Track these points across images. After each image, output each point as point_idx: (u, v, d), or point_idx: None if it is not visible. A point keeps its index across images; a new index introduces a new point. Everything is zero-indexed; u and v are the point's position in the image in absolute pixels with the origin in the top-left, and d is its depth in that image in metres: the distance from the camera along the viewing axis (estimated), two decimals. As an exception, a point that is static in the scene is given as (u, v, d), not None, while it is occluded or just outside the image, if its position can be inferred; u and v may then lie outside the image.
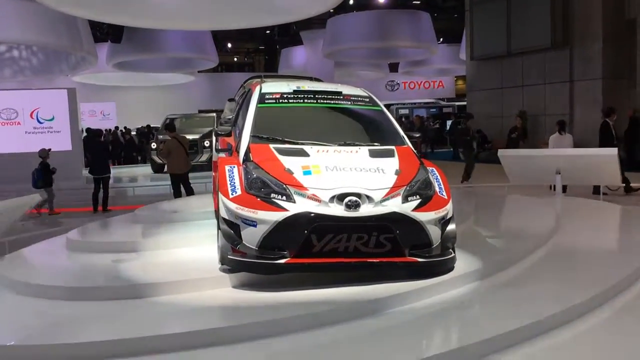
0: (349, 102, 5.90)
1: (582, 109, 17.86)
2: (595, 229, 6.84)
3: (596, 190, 10.45)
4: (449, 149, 24.00)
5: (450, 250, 4.74)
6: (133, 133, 24.73)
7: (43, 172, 11.84)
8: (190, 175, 11.43)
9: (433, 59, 29.54)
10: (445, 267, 4.62)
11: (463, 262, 4.81)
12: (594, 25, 17.48)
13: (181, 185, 11.03)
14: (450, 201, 4.84)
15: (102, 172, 12.06)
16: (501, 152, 9.75)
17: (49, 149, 12.50)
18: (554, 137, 12.08)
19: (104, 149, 13.06)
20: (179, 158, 10.91)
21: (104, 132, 19.26)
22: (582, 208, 8.30)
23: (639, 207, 9.49)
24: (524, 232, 6.23)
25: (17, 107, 16.29)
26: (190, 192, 11.10)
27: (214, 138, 7.08)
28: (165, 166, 11.64)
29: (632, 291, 4.62)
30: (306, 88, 5.96)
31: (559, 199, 8.76)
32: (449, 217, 4.76)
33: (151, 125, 24.88)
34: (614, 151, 8.91)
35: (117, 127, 25.85)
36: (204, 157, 16.09)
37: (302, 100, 5.77)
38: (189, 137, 16.20)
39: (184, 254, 5.41)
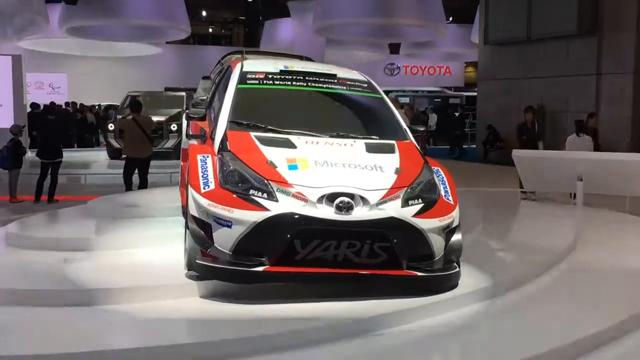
0: (345, 87, 5.90)
1: (610, 106, 18.00)
2: (620, 246, 6.90)
3: None
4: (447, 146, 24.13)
5: (455, 264, 4.77)
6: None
7: (13, 151, 11.75)
8: (153, 163, 11.36)
9: (440, 41, 29.63)
10: (448, 283, 4.64)
11: (469, 278, 4.83)
12: (628, 11, 17.59)
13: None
14: (457, 207, 4.87)
15: (52, 156, 11.93)
16: (516, 153, 9.81)
17: (24, 125, 12.41)
18: (570, 139, 12.16)
19: (57, 129, 12.90)
20: (137, 140, 10.85)
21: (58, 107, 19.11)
22: (606, 221, 8.37)
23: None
24: (539, 246, 6.27)
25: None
26: (144, 183, 11.02)
27: (184, 121, 7.05)
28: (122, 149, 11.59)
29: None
30: (295, 68, 5.96)
31: (580, 210, 8.83)
32: (454, 225, 4.79)
33: (109, 104, 24.74)
34: (645, 157, 9.00)
35: (68, 103, 25.62)
36: (170, 143, 15.98)
37: (290, 83, 5.76)
38: (154, 119, 16.18)
39: (145, 255, 5.39)
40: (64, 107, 23.93)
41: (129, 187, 10.87)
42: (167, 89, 26.10)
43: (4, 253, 5.82)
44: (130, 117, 11.18)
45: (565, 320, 4.39)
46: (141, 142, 10.90)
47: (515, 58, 20.57)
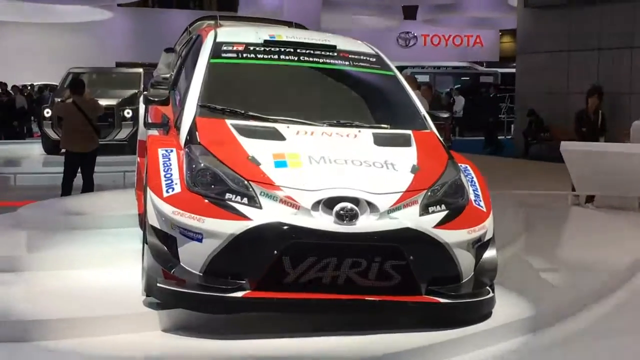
0: (347, 63, 5.93)
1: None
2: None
3: None
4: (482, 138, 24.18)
5: (488, 288, 4.79)
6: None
7: None
8: (100, 159, 11.35)
9: (468, 2, 29.73)
10: (479, 312, 4.67)
11: (505, 307, 4.85)
12: None
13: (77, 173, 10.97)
14: (491, 216, 4.90)
15: None
16: (566, 146, 9.84)
17: None
18: (638, 124, 12.21)
19: None
20: (79, 130, 10.84)
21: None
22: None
23: None
24: (595, 264, 6.30)
25: None
26: (89, 185, 11.00)
27: (141, 106, 7.06)
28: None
29: None
30: (284, 38, 5.99)
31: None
32: (487, 239, 4.83)
33: (45, 84, 24.72)
34: None
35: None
36: (123, 134, 16.01)
37: (276, 57, 5.79)
38: (102, 102, 16.18)
39: (91, 278, 5.40)
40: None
41: (67, 191, 10.85)
42: (118, 65, 26.12)
43: None
44: (71, 100, 11.16)
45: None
46: (84, 133, 10.88)
47: (565, 24, 20.59)
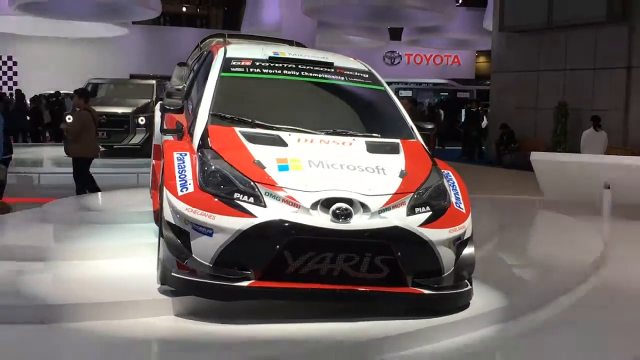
0: (343, 78, 5.95)
1: (642, 104, 18.13)
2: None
3: None
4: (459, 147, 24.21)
5: (466, 281, 4.81)
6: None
7: None
8: (115, 161, 11.35)
9: (448, 26, 29.76)
10: (458, 302, 4.70)
11: (482, 298, 4.88)
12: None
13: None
14: (470, 217, 4.92)
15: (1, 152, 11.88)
16: (535, 156, 9.89)
17: None
18: (588, 132, 13.76)
19: (6, 121, 12.85)
20: (93, 137, 10.87)
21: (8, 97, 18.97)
22: (638, 235, 8.46)
23: None
24: (562, 262, 6.33)
25: None
26: (91, 187, 10.99)
27: (156, 114, 7.06)
28: (68, 147, 11.29)
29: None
30: (286, 55, 6.00)
31: (608, 222, 8.92)
32: (466, 237, 4.84)
33: (62, 92, 24.54)
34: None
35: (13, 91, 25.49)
36: (137, 139, 15.98)
37: (280, 72, 5.80)
38: (119, 110, 16.15)
39: (111, 267, 5.41)
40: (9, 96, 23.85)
41: (97, 189, 10.87)
42: (132, 76, 26.06)
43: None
44: (86, 110, 11.15)
45: (586, 351, 4.45)
46: (95, 138, 10.94)
47: (535, 47, 20.68)
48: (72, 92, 13.76)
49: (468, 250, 4.84)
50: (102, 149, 16.20)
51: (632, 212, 9.66)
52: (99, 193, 9.70)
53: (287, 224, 4.38)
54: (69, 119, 16.54)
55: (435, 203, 4.78)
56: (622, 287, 5.91)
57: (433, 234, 4.60)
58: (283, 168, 4.70)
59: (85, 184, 10.83)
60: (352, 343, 4.15)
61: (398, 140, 5.36)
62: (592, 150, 14.19)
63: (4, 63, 29.77)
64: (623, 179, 9.11)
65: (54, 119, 22.83)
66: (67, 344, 4.14)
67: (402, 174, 4.86)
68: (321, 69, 5.93)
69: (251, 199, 4.50)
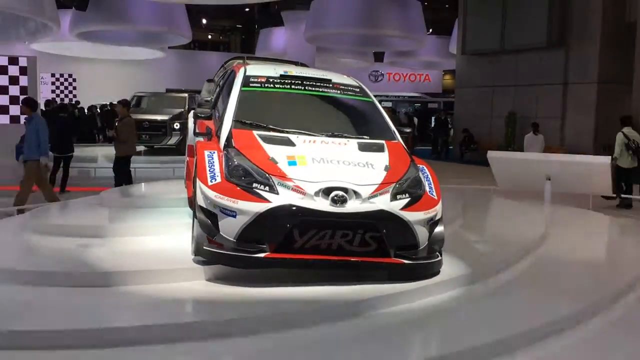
0: (339, 91, 5.95)
1: (575, 113, 18.19)
2: (585, 239, 7.02)
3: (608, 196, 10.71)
4: (429, 147, 24.25)
5: (437, 253, 4.83)
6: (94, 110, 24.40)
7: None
8: (154, 158, 11.40)
9: (421, 50, 29.74)
10: (431, 270, 4.72)
11: (449, 267, 4.90)
12: (593, 26, 17.80)
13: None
14: (440, 202, 4.94)
15: (64, 151, 11.90)
16: (491, 154, 9.91)
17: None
18: (529, 136, 15.00)
19: (68, 125, 12.87)
20: (135, 139, 10.97)
21: (70, 106, 18.93)
22: (572, 217, 8.50)
23: (630, 219, 9.78)
24: (513, 238, 6.36)
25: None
26: (128, 179, 11.00)
27: (190, 120, 7.07)
28: (118, 147, 11.27)
29: (622, 304, 4.77)
30: (294, 73, 6.00)
31: (549, 207, 8.95)
32: (437, 218, 4.86)
33: (114, 103, 24.49)
34: (606, 160, 9.13)
35: (74, 102, 25.43)
36: (172, 141, 16.00)
37: (289, 86, 5.80)
38: (158, 117, 16.16)
39: (155, 243, 5.42)
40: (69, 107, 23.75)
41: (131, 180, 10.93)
42: (168, 90, 25.98)
43: (27, 238, 5.81)
44: (130, 117, 11.17)
45: (534, 306, 4.48)
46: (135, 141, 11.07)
47: (490, 67, 20.72)
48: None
49: (439, 229, 4.86)
50: (144, 148, 16.29)
51: (567, 199, 9.72)
52: (143, 183, 9.73)
53: (295, 208, 4.39)
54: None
55: (412, 191, 4.79)
56: (559, 257, 5.94)
57: (411, 216, 4.61)
58: (292, 163, 4.71)
59: (122, 176, 10.89)
60: (347, 302, 4.17)
61: (383, 141, 5.37)
62: (532, 150, 14.60)
63: (66, 80, 29.64)
64: (560, 172, 9.13)
65: (105, 124, 22.85)
66: (124, 303, 4.15)
67: (386, 168, 4.87)
68: (321, 84, 5.93)
69: (267, 188, 4.51)
